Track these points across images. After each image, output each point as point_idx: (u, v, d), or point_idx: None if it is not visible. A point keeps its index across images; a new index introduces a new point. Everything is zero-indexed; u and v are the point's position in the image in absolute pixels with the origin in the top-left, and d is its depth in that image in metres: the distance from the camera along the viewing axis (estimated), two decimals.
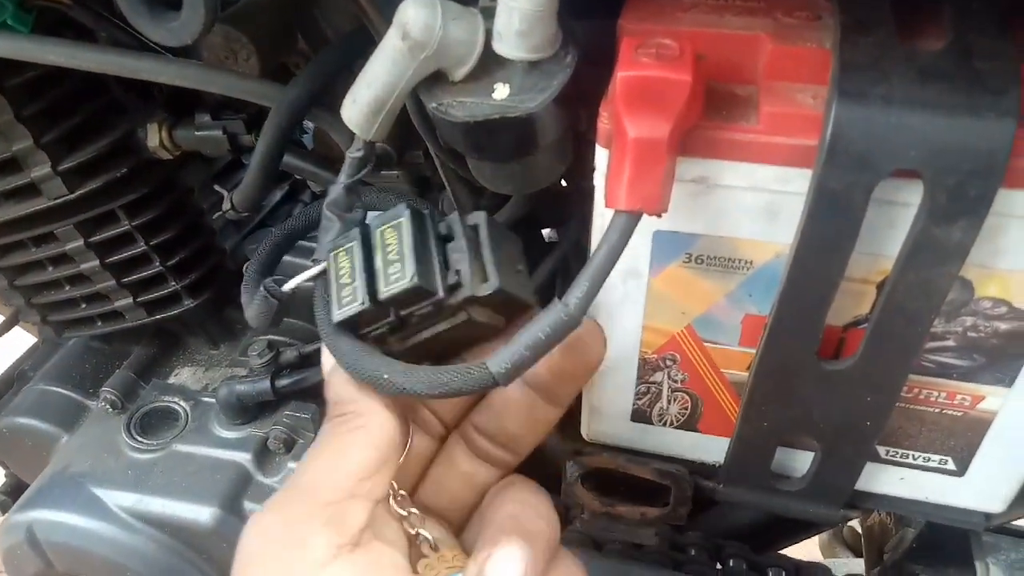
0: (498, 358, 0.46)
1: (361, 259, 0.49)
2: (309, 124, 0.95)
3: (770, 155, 0.49)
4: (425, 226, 0.49)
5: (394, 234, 0.48)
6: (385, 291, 0.47)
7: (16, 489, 1.13)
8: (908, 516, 0.75)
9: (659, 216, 0.48)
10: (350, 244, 0.50)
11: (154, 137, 0.80)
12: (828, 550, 1.32)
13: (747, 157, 0.49)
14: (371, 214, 0.54)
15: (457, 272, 0.47)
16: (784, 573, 0.79)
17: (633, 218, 0.47)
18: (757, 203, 0.51)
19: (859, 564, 1.28)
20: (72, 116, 0.78)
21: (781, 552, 0.85)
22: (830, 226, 0.48)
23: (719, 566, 0.80)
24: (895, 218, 0.49)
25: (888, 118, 0.44)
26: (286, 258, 0.93)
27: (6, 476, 1.16)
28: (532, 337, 0.46)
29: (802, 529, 0.87)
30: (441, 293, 0.47)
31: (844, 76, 0.46)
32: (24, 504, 0.90)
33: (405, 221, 0.48)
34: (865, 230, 0.48)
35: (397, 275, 0.47)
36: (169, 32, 0.52)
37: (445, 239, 0.49)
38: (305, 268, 0.93)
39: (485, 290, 0.48)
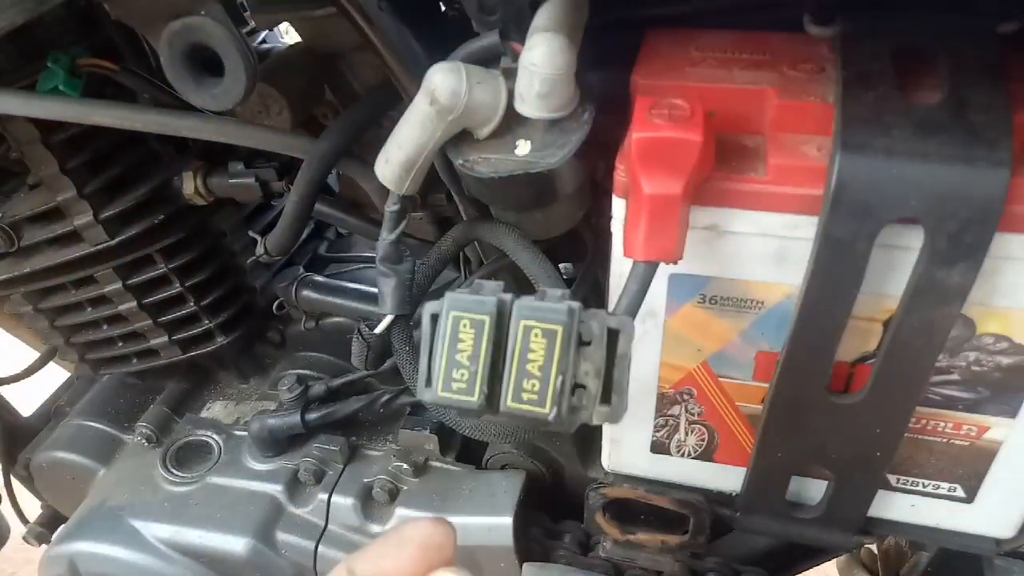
0: None
1: (490, 346, 0.41)
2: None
3: (778, 204, 0.52)
4: (570, 332, 0.40)
5: (543, 343, 0.40)
6: (510, 406, 0.40)
7: (52, 521, 1.16)
8: (915, 540, 0.77)
9: (675, 263, 0.51)
10: (481, 317, 0.41)
11: (189, 185, 0.84)
12: (846, 572, 1.33)
13: (756, 206, 0.52)
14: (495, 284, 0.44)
15: (582, 389, 0.40)
16: None
17: (651, 267, 0.51)
18: (766, 248, 0.54)
19: None
20: (112, 167, 0.82)
21: None
22: (836, 270, 0.51)
23: None
24: (898, 261, 0.52)
25: (890, 169, 0.48)
26: (311, 295, 0.97)
27: (42, 508, 1.19)
28: None
29: (818, 554, 0.88)
30: (552, 418, 0.40)
31: (847, 129, 0.49)
32: (65, 536, 0.93)
33: (562, 331, 0.40)
34: (870, 272, 0.51)
35: (531, 397, 0.40)
36: (213, 99, 0.56)
37: (582, 342, 0.41)
38: (332, 305, 0.97)
39: (600, 417, 0.42)
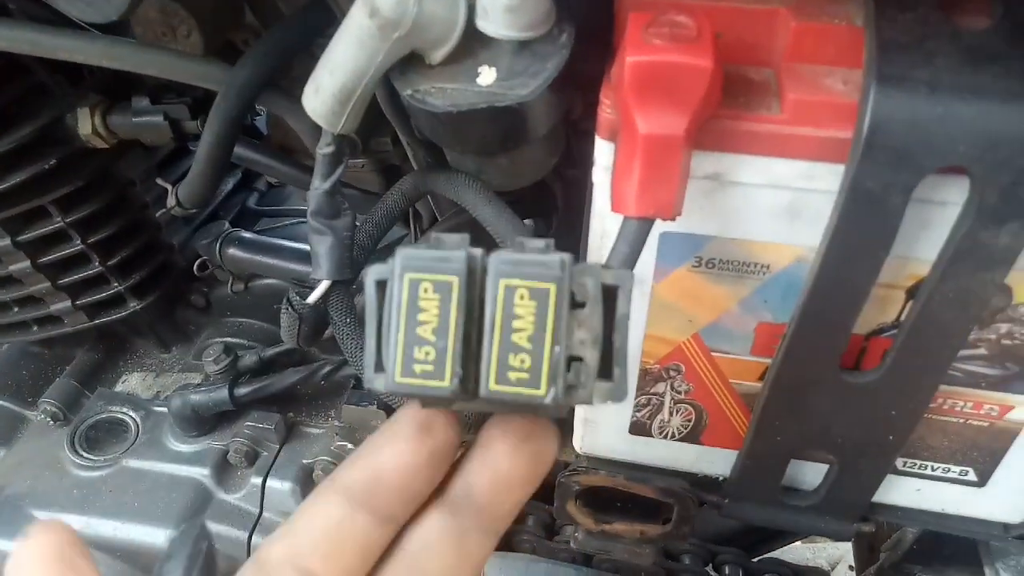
0: None
1: (462, 315, 0.32)
2: (262, 107, 0.87)
3: (794, 148, 0.43)
4: (563, 290, 0.32)
5: (531, 307, 0.32)
6: (495, 389, 0.32)
7: None
8: (919, 527, 0.72)
9: (672, 220, 0.42)
10: (447, 279, 0.32)
11: (86, 124, 0.71)
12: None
13: (768, 151, 0.43)
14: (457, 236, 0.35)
15: (579, 362, 0.32)
16: None
17: (645, 224, 0.41)
18: (777, 202, 0.45)
19: (839, 548, 1.26)
20: None
21: (774, 556, 0.82)
22: (864, 228, 0.42)
23: (714, 573, 0.76)
24: (932, 218, 0.44)
25: (934, 107, 0.39)
26: (238, 253, 0.86)
27: None
28: None
29: (795, 533, 0.83)
30: (551, 401, 0.32)
31: (883, 57, 0.40)
32: None
33: (555, 289, 0.32)
34: (899, 232, 0.42)
35: (521, 377, 0.32)
36: (90, 6, 0.44)
37: (575, 303, 0.33)
38: (263, 265, 0.86)
39: (602, 396, 0.33)
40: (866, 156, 0.40)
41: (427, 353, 0.32)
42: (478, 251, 0.33)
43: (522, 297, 0.31)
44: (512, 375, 0.31)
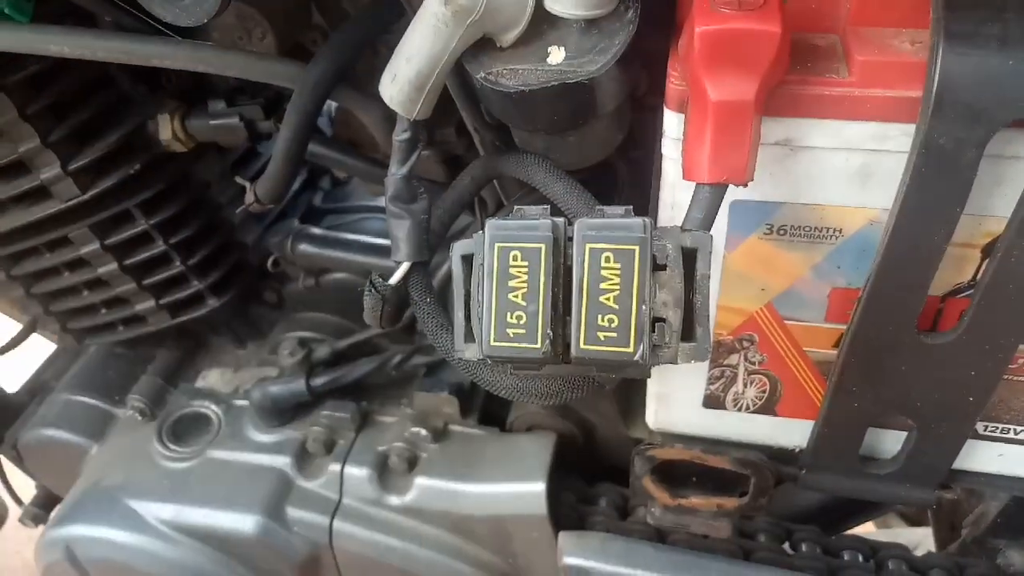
0: None
1: (551, 280, 0.33)
2: (325, 107, 0.90)
3: (865, 110, 0.43)
4: (647, 252, 0.34)
5: (616, 269, 0.33)
6: (585, 349, 0.33)
7: (48, 501, 1.09)
8: (1002, 492, 0.70)
9: (745, 185, 0.43)
10: (535, 246, 0.34)
11: (166, 129, 0.74)
12: (881, 521, 1.27)
13: (838, 114, 0.44)
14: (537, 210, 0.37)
15: (662, 323, 0.34)
16: (861, 556, 0.74)
17: (718, 191, 0.42)
18: (849, 165, 0.46)
19: (914, 533, 1.24)
20: (79, 112, 0.73)
21: (853, 533, 0.81)
22: (937, 186, 0.42)
23: (791, 551, 0.76)
24: (1006, 174, 0.44)
25: (1005, 61, 0.39)
26: (309, 249, 0.89)
27: (37, 488, 1.12)
28: None
29: (874, 508, 0.82)
30: (640, 358, 0.33)
31: (950, 16, 0.40)
32: (60, 520, 0.86)
33: (639, 252, 0.33)
34: (973, 189, 0.42)
35: (610, 336, 0.33)
36: (182, 10, 0.47)
37: (657, 266, 0.34)
38: (333, 259, 0.89)
39: (685, 356, 0.35)
40: (937, 113, 0.40)
41: (519, 318, 0.34)
42: (561, 219, 0.35)
43: (608, 260, 0.33)
44: (601, 335, 0.33)
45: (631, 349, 0.33)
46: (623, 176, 0.66)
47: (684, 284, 0.34)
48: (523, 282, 0.34)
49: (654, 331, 0.34)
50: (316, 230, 0.89)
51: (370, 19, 0.60)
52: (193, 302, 0.88)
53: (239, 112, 0.72)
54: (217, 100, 0.73)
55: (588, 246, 0.33)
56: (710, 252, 0.35)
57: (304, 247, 0.88)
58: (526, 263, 0.34)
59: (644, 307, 0.33)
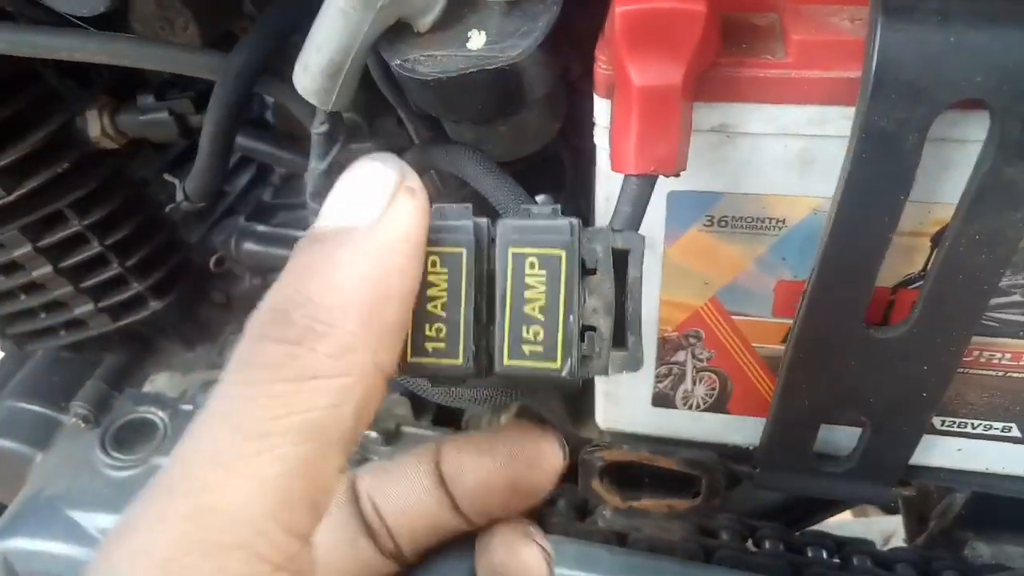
0: None
1: (471, 287, 0.31)
2: (270, 99, 0.87)
3: (803, 93, 0.41)
4: (574, 256, 0.31)
5: (542, 276, 0.30)
6: (509, 364, 0.30)
7: None
8: (962, 488, 0.69)
9: (676, 176, 0.40)
10: (455, 250, 0.31)
11: (95, 125, 0.71)
12: (857, 509, 1.26)
13: (775, 97, 0.41)
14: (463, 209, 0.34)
15: (592, 332, 0.31)
16: (825, 552, 0.73)
17: (647, 182, 0.40)
18: (788, 151, 0.43)
19: (891, 522, 1.23)
20: (1, 109, 0.69)
21: (818, 529, 0.79)
22: (879, 172, 0.40)
23: (754, 548, 0.74)
24: (952, 158, 0.41)
25: (946, 38, 0.37)
26: (255, 248, 0.86)
27: None
28: None
29: (839, 504, 0.81)
30: (567, 373, 0.31)
31: None
32: None
33: (566, 256, 0.30)
34: (918, 175, 0.40)
35: (535, 350, 0.30)
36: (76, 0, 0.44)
37: (586, 270, 0.32)
38: (279, 258, 0.86)
39: (618, 366, 0.32)
40: (877, 94, 0.38)
41: (438, 330, 0.31)
42: (484, 220, 0.32)
43: (532, 266, 0.30)
44: (526, 348, 0.30)
45: (558, 364, 0.30)
46: (569, 167, 0.64)
47: (615, 289, 0.31)
48: (443, 290, 0.31)
49: (583, 341, 0.31)
50: (262, 227, 0.86)
51: (295, 5, 0.57)
52: (134, 304, 0.84)
53: (168, 107, 0.69)
54: (147, 95, 0.70)
55: (511, 250, 0.30)
56: (642, 253, 0.32)
57: (249, 245, 0.85)
58: (446, 269, 0.31)
59: (572, 317, 0.30)
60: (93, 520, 0.79)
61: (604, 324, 0.31)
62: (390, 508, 0.37)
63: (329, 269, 0.26)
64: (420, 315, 0.31)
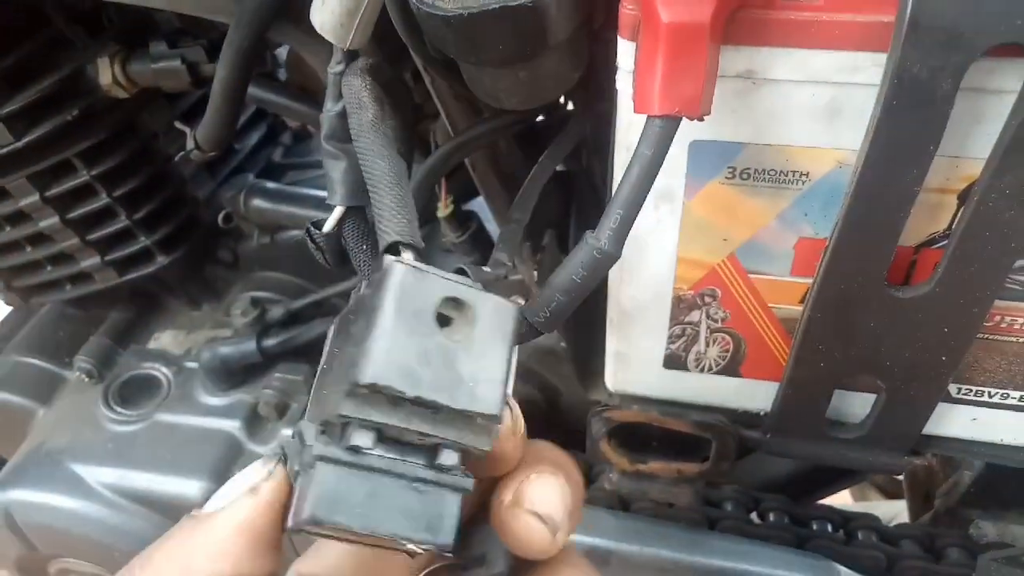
0: (533, 307, 0.38)
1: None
2: (283, 56, 0.86)
3: (834, 38, 0.40)
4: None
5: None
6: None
7: None
8: (975, 459, 0.68)
9: (700, 120, 0.39)
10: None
11: (106, 73, 0.70)
12: (858, 493, 1.25)
13: (805, 42, 0.40)
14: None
15: (441, 450, 0.31)
16: (831, 525, 0.72)
17: (670, 124, 0.39)
18: (816, 100, 0.42)
19: (892, 506, 1.22)
20: (10, 54, 0.68)
21: (824, 503, 0.78)
22: (910, 121, 0.39)
23: (758, 520, 0.74)
24: (985, 110, 0.40)
25: None
26: (264, 204, 0.85)
27: None
28: (566, 281, 0.38)
29: (845, 477, 0.80)
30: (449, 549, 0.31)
31: None
32: (0, 484, 0.83)
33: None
34: (948, 127, 0.39)
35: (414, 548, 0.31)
36: None
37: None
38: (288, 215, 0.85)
39: (485, 431, 0.32)
40: (911, 38, 0.36)
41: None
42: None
43: (349, 537, 0.31)
44: (413, 548, 0.31)
45: (436, 546, 0.31)
46: (589, 131, 0.63)
47: (415, 418, 0.31)
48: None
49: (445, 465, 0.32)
50: (271, 185, 0.86)
51: None
52: (141, 259, 0.84)
53: (181, 54, 0.68)
54: (159, 42, 0.69)
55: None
56: (386, 381, 0.29)
57: (257, 202, 0.84)
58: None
59: (402, 537, 0.30)
60: (95, 474, 0.79)
61: (442, 432, 0.31)
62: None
63: (177, 541, 0.32)
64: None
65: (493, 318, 0.33)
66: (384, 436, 0.30)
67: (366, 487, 0.30)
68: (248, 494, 0.32)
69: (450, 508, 0.31)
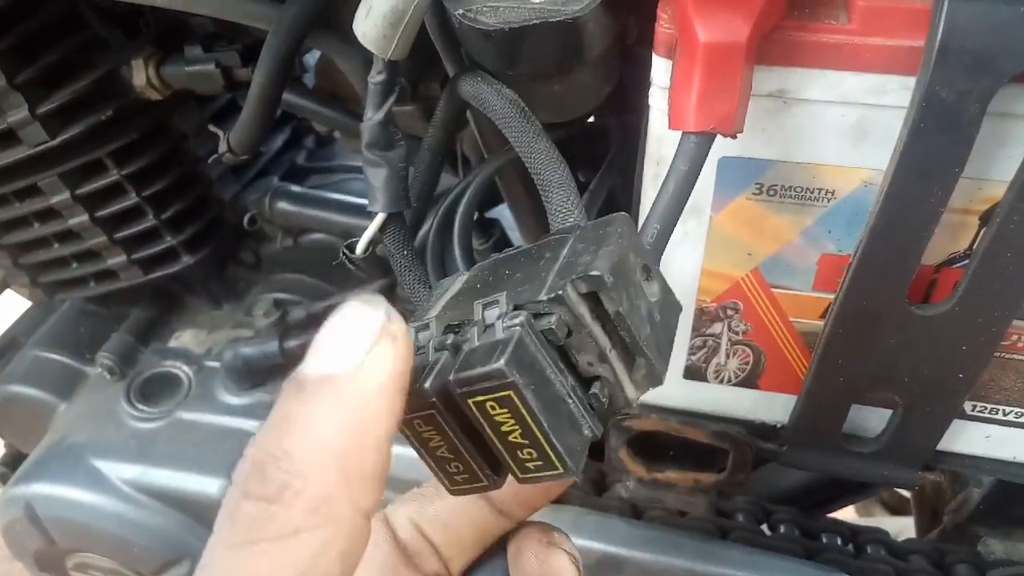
0: None
1: (460, 432, 0.32)
2: (310, 62, 0.87)
3: (864, 60, 0.41)
4: (526, 385, 0.29)
5: (506, 414, 0.30)
6: (525, 478, 0.31)
7: (15, 460, 1.07)
8: (987, 476, 0.69)
9: (733, 137, 0.41)
10: (427, 413, 0.31)
11: (140, 75, 0.72)
12: (863, 509, 1.26)
13: (835, 64, 0.41)
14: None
15: (597, 381, 0.31)
16: (840, 538, 0.73)
17: (705, 141, 0.40)
18: (845, 120, 0.43)
19: (897, 522, 1.22)
20: (48, 53, 0.70)
21: (833, 516, 0.79)
22: (936, 144, 0.40)
23: (768, 532, 0.74)
24: (1010, 135, 0.41)
25: (1015, 7, 0.37)
26: (288, 207, 0.86)
27: (5, 447, 1.10)
28: None
29: (856, 491, 0.81)
30: (571, 473, 0.30)
31: None
32: (21, 478, 0.84)
33: (514, 393, 0.29)
34: (974, 150, 0.40)
35: (537, 465, 0.30)
36: None
37: (560, 345, 0.30)
38: (311, 218, 0.86)
39: (643, 386, 0.32)
40: (940, 62, 0.38)
41: (457, 467, 0.33)
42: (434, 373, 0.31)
43: (493, 408, 0.30)
44: (530, 464, 0.31)
45: (561, 471, 0.30)
46: (616, 139, 0.64)
47: (604, 336, 0.31)
48: (440, 442, 0.32)
49: (592, 399, 0.31)
50: (295, 188, 0.87)
51: None
52: (166, 258, 0.85)
53: (215, 58, 0.69)
54: (194, 46, 0.70)
55: (469, 401, 0.30)
56: (612, 285, 0.30)
57: (282, 205, 0.85)
58: (431, 426, 0.32)
59: (548, 426, 0.29)
60: (117, 470, 0.80)
61: (605, 370, 0.31)
62: (437, 526, 0.39)
63: (306, 421, 0.26)
64: (438, 463, 0.33)
65: (669, 303, 0.34)
66: (568, 342, 0.30)
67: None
68: (388, 340, 0.27)
69: (583, 443, 0.30)
